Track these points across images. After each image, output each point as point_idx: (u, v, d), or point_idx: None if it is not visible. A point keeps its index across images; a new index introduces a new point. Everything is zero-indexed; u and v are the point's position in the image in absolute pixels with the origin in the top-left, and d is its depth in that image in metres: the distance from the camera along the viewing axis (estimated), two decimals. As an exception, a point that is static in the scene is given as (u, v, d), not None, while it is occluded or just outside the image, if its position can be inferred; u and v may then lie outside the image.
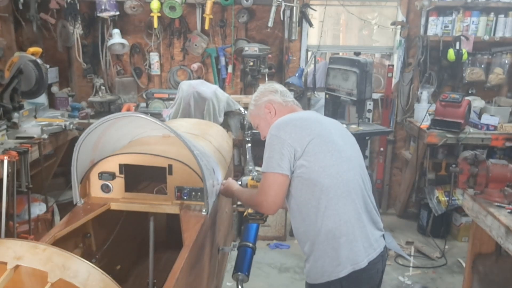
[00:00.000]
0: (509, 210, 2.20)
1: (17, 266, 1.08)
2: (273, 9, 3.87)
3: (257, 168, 3.42)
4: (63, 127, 3.29)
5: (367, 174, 1.85)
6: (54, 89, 4.09)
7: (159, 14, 3.99)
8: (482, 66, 4.15)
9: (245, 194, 1.90)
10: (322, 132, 1.71)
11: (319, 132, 1.70)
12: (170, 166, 1.81)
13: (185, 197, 1.82)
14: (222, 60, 4.21)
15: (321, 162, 1.65)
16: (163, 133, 2.06)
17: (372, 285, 1.74)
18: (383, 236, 1.79)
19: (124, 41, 4.10)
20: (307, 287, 1.77)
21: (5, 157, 2.46)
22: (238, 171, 3.99)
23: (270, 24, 3.90)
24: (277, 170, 1.65)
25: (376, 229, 1.75)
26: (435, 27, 4.07)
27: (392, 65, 4.29)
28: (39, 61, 3.18)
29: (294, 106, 1.92)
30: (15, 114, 3.05)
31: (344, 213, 1.64)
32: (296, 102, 1.95)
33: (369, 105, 4.27)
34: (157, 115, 3.51)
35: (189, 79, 4.25)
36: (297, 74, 4.10)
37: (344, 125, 1.97)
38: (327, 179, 1.64)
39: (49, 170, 3.48)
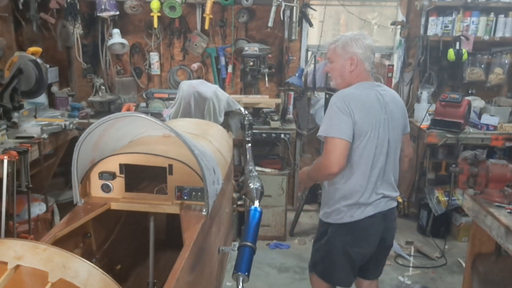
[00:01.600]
0: (509, 210, 2.20)
1: (17, 266, 1.08)
2: (273, 9, 3.87)
3: (258, 168, 3.42)
4: (63, 127, 3.28)
5: (398, 153, 2.18)
6: (54, 89, 4.08)
7: (159, 14, 3.99)
8: (482, 66, 4.15)
9: (313, 165, 2.21)
10: (375, 123, 2.03)
11: (373, 124, 2.02)
12: (170, 166, 1.81)
13: (185, 197, 1.82)
14: (222, 60, 4.20)
15: (359, 142, 2.01)
16: (163, 133, 2.06)
17: (366, 233, 2.14)
18: (394, 199, 2.21)
19: (124, 41, 4.10)
20: (320, 221, 2.30)
21: (5, 157, 2.45)
22: (238, 171, 3.99)
23: (270, 24, 3.89)
24: (342, 135, 1.96)
25: (384, 197, 2.13)
26: (435, 27, 4.07)
27: (392, 65, 4.29)
28: (39, 61, 3.17)
29: (366, 75, 2.14)
30: (15, 114, 3.04)
31: (361, 186, 2.08)
32: (371, 71, 2.16)
33: (369, 105, 4.26)
34: (157, 115, 3.51)
35: (189, 79, 4.25)
36: (297, 74, 4.09)
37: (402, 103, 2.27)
38: (357, 158, 2.04)
39: (49, 170, 3.48)
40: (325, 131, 2.01)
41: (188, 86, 2.93)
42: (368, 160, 2.04)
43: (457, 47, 3.94)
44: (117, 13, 4.00)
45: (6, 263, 1.07)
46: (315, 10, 4.24)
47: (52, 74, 3.95)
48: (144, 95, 4.16)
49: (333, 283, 2.29)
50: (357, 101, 2.01)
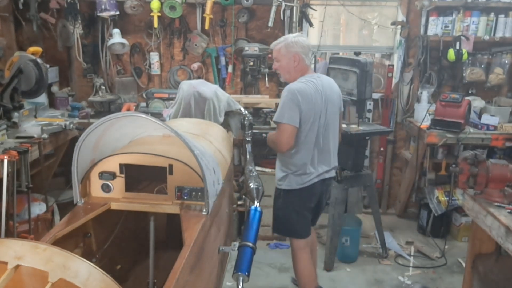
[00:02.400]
0: (509, 210, 2.20)
1: (17, 266, 1.08)
2: (273, 9, 3.87)
3: (257, 168, 3.41)
4: (63, 126, 3.29)
5: (337, 129, 2.72)
6: (54, 88, 4.08)
7: (159, 14, 3.99)
8: (482, 66, 4.14)
9: (273, 137, 2.63)
10: (317, 110, 2.52)
11: (315, 111, 2.52)
12: (170, 166, 1.81)
13: (185, 197, 1.82)
14: (222, 60, 4.21)
15: (304, 126, 2.51)
16: (164, 133, 2.06)
17: (310, 196, 2.69)
18: (333, 170, 2.78)
19: (124, 40, 4.10)
20: (275, 188, 2.79)
21: (5, 157, 2.46)
22: (238, 171, 3.99)
23: (270, 24, 3.89)
24: (291, 122, 2.46)
25: (323, 170, 2.67)
26: (435, 27, 4.07)
27: (392, 65, 4.29)
28: (39, 60, 3.17)
29: (307, 69, 2.62)
30: (15, 114, 3.04)
31: (306, 159, 2.59)
32: (310, 65, 2.64)
33: (369, 105, 4.26)
34: (158, 115, 3.51)
35: (189, 78, 4.25)
36: (297, 74, 4.08)
37: (338, 90, 2.77)
38: (303, 138, 2.54)
39: (49, 169, 3.48)
40: (278, 118, 2.50)
41: (188, 86, 2.93)
42: (312, 139, 2.56)
43: (457, 47, 3.93)
44: (117, 13, 4.00)
45: (6, 263, 1.07)
46: (315, 10, 4.24)
47: (52, 74, 3.96)
48: (144, 95, 4.16)
49: (294, 236, 2.79)
50: (303, 93, 2.47)
